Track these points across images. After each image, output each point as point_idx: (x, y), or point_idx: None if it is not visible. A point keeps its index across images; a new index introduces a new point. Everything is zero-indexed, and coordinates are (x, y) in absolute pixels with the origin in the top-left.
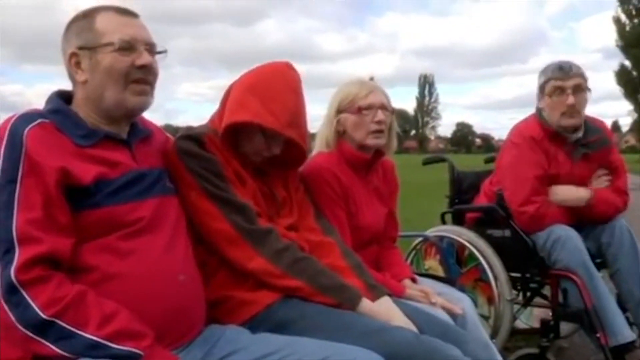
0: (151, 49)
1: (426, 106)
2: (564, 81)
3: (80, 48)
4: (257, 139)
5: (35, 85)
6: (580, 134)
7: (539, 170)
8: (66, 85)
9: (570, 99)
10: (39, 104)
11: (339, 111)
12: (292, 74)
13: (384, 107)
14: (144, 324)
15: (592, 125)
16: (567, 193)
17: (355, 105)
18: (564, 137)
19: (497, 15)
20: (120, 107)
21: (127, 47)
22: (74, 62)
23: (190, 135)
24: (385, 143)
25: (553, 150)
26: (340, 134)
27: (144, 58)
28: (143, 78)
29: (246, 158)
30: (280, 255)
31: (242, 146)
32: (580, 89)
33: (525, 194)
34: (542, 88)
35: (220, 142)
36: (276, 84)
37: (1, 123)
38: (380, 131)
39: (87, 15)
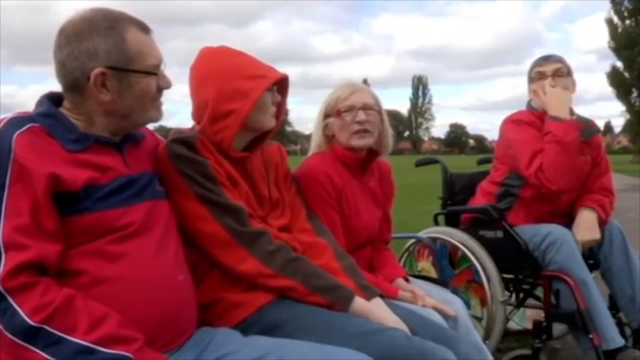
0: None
1: (420, 107)
2: (543, 67)
3: (110, 68)
4: (266, 96)
5: (28, 87)
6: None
7: (534, 142)
8: (59, 86)
9: (549, 81)
10: (33, 105)
11: (326, 116)
12: (221, 49)
13: (367, 107)
14: (135, 327)
15: (582, 117)
16: (586, 233)
17: (337, 109)
18: None
19: (493, 16)
20: (146, 122)
21: (159, 72)
22: (99, 82)
23: (182, 139)
24: (377, 142)
25: None
26: (330, 138)
27: (167, 81)
28: (161, 95)
29: (238, 159)
30: (272, 257)
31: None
32: (560, 74)
33: (527, 162)
34: (529, 77)
35: (211, 144)
36: (226, 61)
37: None
38: (363, 131)
39: (113, 29)
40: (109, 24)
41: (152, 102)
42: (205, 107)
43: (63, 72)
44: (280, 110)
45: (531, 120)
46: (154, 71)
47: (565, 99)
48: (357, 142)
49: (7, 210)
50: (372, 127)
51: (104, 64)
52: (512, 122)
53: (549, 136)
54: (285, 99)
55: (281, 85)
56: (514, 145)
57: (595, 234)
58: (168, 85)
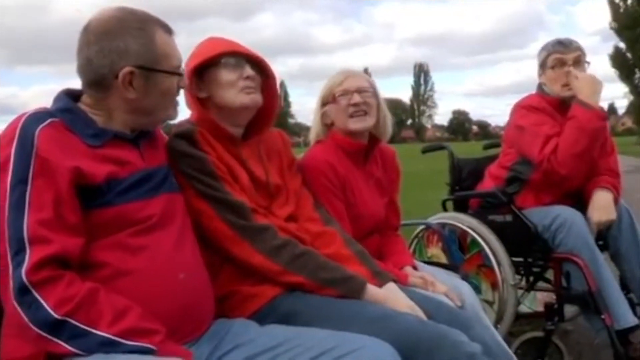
0: None
1: (422, 95)
2: (564, 54)
3: (139, 67)
4: (223, 72)
5: (30, 87)
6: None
7: (547, 127)
8: (61, 86)
9: (572, 70)
10: (34, 105)
11: (323, 104)
12: (220, 37)
13: (362, 89)
14: (155, 319)
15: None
16: (603, 214)
17: (332, 94)
18: (567, 107)
19: (494, 0)
20: (163, 121)
21: (183, 72)
22: (127, 80)
23: (182, 134)
24: (376, 127)
25: (559, 118)
26: (330, 126)
27: (185, 81)
28: (178, 95)
29: (236, 143)
30: (278, 252)
31: (218, 87)
32: (580, 62)
33: (539, 146)
34: (543, 63)
35: (209, 132)
36: (206, 42)
37: (11, 122)
38: (360, 113)
39: (144, 30)
40: (139, 25)
41: (172, 101)
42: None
43: (89, 68)
44: (269, 93)
45: (542, 106)
46: (178, 71)
47: (598, 86)
48: (354, 125)
49: (30, 204)
50: (368, 109)
51: (133, 63)
52: (523, 108)
53: (573, 121)
54: (273, 81)
55: (264, 70)
56: (527, 129)
57: (612, 214)
58: (185, 85)
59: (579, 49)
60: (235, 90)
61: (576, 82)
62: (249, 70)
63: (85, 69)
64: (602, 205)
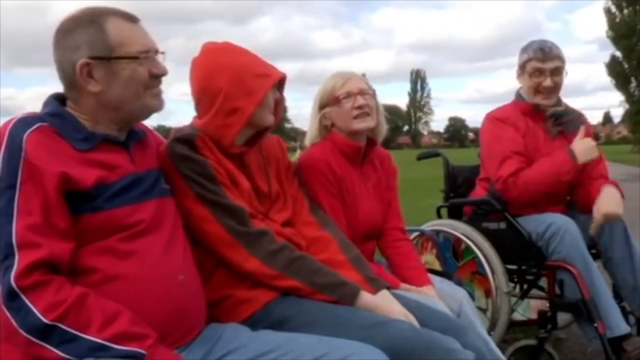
0: (157, 53)
1: (418, 101)
2: (544, 63)
3: (93, 58)
4: (271, 96)
5: (27, 89)
6: (559, 109)
7: (510, 145)
8: (59, 88)
9: (548, 82)
10: (32, 107)
11: (322, 107)
12: (226, 45)
13: (363, 92)
14: (146, 324)
15: (570, 109)
16: (612, 205)
17: (334, 97)
18: (541, 113)
19: (493, 7)
20: (142, 112)
21: (144, 57)
22: (85, 73)
23: (183, 138)
24: (373, 128)
25: (532, 125)
26: (329, 129)
27: (161, 67)
28: (158, 83)
29: (239, 154)
30: (274, 257)
31: (262, 106)
32: (558, 72)
33: (497, 164)
34: (522, 66)
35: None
36: (235, 57)
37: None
38: (364, 114)
39: (94, 22)
40: (90, 18)
41: (144, 89)
42: (215, 98)
43: (60, 72)
44: (279, 107)
45: (506, 117)
46: (137, 56)
47: (593, 151)
48: (359, 124)
49: (19, 209)
50: (370, 110)
51: (86, 54)
52: (490, 122)
53: (554, 162)
54: (283, 95)
55: (280, 82)
56: (486, 146)
57: (620, 209)
58: (161, 71)
59: (559, 57)
60: (269, 110)
61: (576, 144)
62: (277, 93)
63: (58, 73)
64: (611, 197)
